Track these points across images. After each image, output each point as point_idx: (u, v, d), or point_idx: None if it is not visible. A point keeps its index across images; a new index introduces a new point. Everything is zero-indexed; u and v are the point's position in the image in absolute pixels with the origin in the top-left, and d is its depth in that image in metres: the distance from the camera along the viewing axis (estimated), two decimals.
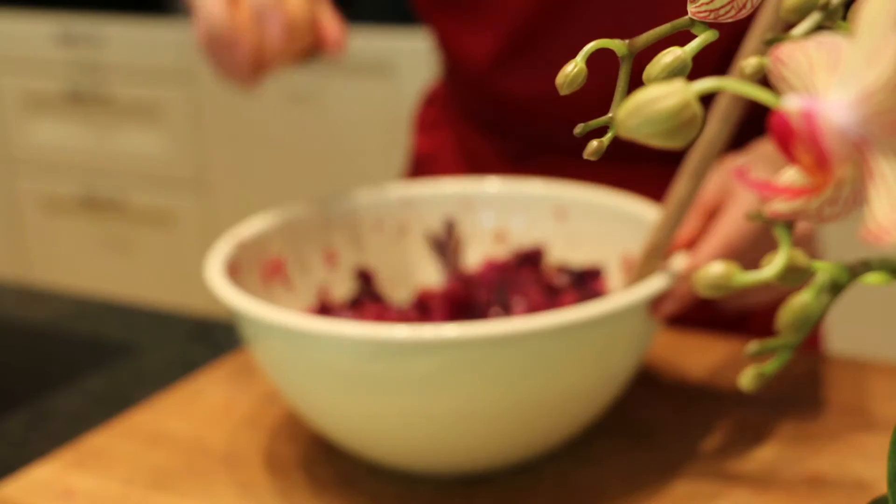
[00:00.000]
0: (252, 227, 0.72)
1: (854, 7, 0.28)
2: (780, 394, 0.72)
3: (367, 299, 0.76)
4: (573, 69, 0.32)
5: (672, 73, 0.31)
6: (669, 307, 0.63)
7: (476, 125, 0.92)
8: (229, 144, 2.44)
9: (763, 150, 0.70)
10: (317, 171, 2.35)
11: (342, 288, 0.77)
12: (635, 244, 0.71)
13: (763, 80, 0.30)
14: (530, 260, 0.78)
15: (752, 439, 0.67)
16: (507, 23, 0.83)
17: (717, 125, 0.60)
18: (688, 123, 0.27)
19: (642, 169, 0.81)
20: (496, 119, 0.89)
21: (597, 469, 0.65)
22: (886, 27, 0.25)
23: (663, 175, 0.70)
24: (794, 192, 0.29)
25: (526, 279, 0.77)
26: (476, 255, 0.80)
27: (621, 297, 0.58)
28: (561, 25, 0.80)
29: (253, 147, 2.42)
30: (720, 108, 0.60)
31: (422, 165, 0.97)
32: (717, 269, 0.29)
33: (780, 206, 0.30)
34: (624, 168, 0.82)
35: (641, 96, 0.27)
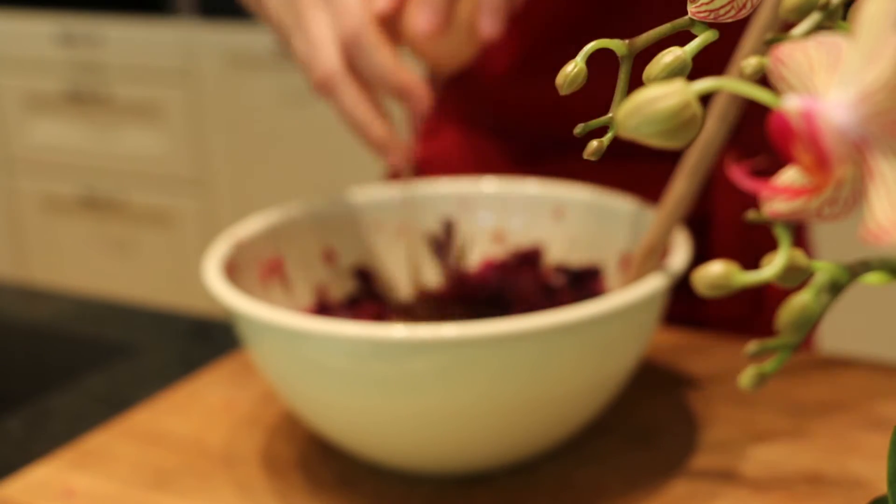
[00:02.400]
0: (250, 226, 0.72)
1: (854, 7, 0.28)
2: (780, 393, 0.72)
3: (366, 299, 0.76)
4: (573, 69, 0.32)
5: (672, 73, 0.31)
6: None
7: (482, 129, 0.91)
8: (229, 144, 2.44)
9: None
10: (316, 171, 2.35)
11: (341, 288, 0.77)
12: (633, 244, 0.71)
13: (762, 79, 0.30)
14: (529, 260, 0.78)
15: (751, 439, 0.67)
16: (531, 30, 0.82)
17: (715, 124, 0.60)
18: (688, 123, 0.27)
19: (654, 166, 0.81)
20: (506, 123, 0.89)
21: (597, 468, 0.65)
22: (886, 27, 0.25)
23: (673, 172, 0.70)
24: (793, 191, 0.29)
25: (524, 279, 0.77)
26: (474, 255, 0.80)
27: (620, 296, 0.58)
28: (584, 32, 0.80)
29: (252, 147, 2.42)
30: (718, 107, 0.60)
31: (423, 171, 0.96)
32: (716, 269, 0.29)
33: (779, 206, 0.30)
34: (636, 165, 0.82)
35: (641, 96, 0.27)
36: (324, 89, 0.65)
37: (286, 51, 0.69)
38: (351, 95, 0.65)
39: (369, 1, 0.65)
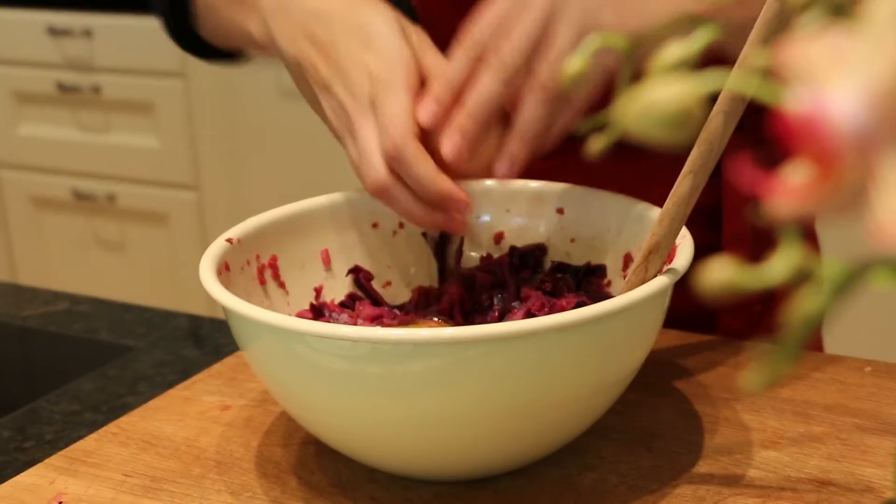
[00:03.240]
0: (247, 226, 0.71)
1: (860, 2, 0.28)
2: (786, 396, 0.71)
3: (364, 300, 0.75)
4: (575, 66, 0.31)
5: (675, 67, 0.30)
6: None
7: None
8: (222, 142, 2.44)
9: None
10: (312, 169, 2.35)
11: (338, 288, 0.76)
12: (636, 244, 0.70)
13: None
14: (529, 260, 0.77)
15: (757, 442, 0.66)
16: None
17: (720, 120, 0.59)
18: (688, 120, 0.27)
19: (665, 162, 0.80)
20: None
21: (599, 472, 0.64)
22: (893, 23, 0.24)
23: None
24: (797, 191, 0.28)
25: (525, 279, 0.76)
26: (475, 254, 0.79)
27: (622, 297, 0.57)
28: None
29: (247, 145, 2.42)
30: (723, 104, 0.59)
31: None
32: (723, 273, 0.28)
33: (783, 205, 0.29)
34: (646, 161, 0.82)
35: (642, 93, 0.26)
36: (376, 195, 0.71)
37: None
38: (402, 199, 0.70)
39: (412, 110, 0.69)
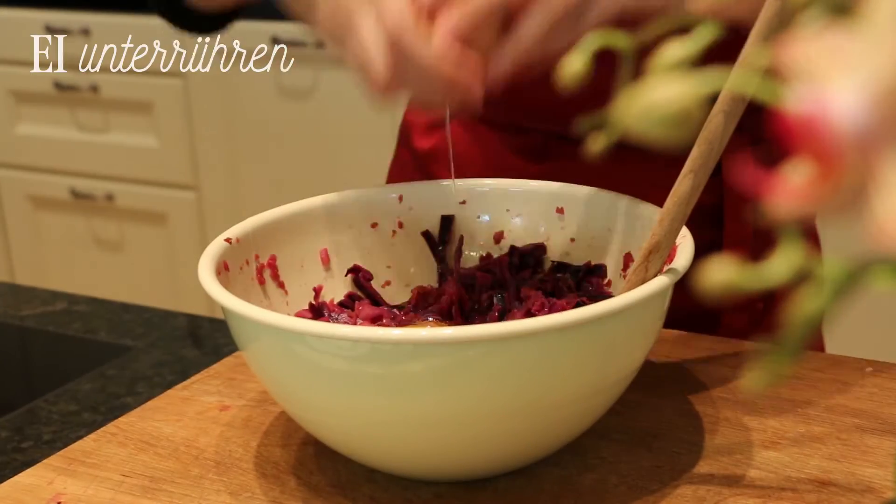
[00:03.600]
0: (246, 226, 0.71)
1: (861, 1, 0.28)
2: (787, 396, 0.70)
3: (363, 300, 0.75)
4: (576, 65, 0.31)
5: (676, 66, 0.30)
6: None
7: (490, 123, 0.90)
8: (221, 142, 2.43)
9: None
10: (312, 169, 2.34)
11: (337, 288, 0.76)
12: (636, 244, 0.70)
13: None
14: (529, 260, 0.76)
15: (757, 442, 0.65)
16: None
17: (720, 120, 0.59)
18: (688, 120, 0.26)
19: (664, 165, 0.80)
20: (515, 119, 0.88)
21: (599, 472, 0.63)
22: (893, 22, 0.24)
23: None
24: (798, 190, 0.28)
25: (525, 279, 0.75)
26: (474, 254, 0.79)
27: (622, 297, 0.57)
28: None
29: (246, 145, 2.41)
30: (723, 104, 0.59)
31: (428, 163, 0.95)
32: (723, 275, 0.28)
33: (783, 205, 0.29)
34: (645, 164, 0.81)
35: (642, 92, 0.26)
36: (383, 92, 0.66)
37: (341, 60, 0.70)
38: (411, 88, 0.66)
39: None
